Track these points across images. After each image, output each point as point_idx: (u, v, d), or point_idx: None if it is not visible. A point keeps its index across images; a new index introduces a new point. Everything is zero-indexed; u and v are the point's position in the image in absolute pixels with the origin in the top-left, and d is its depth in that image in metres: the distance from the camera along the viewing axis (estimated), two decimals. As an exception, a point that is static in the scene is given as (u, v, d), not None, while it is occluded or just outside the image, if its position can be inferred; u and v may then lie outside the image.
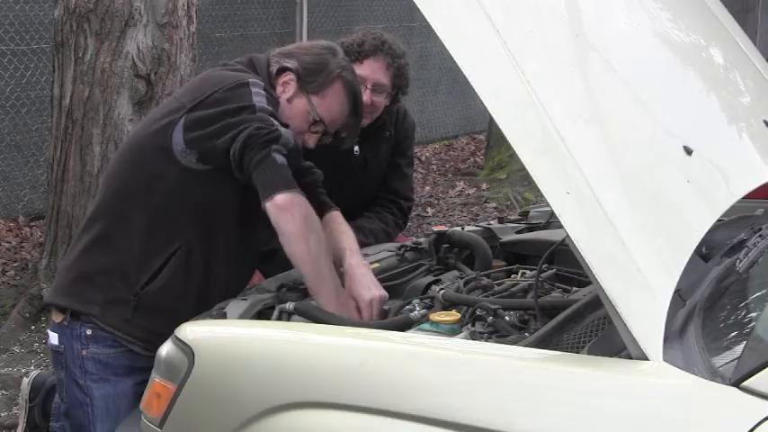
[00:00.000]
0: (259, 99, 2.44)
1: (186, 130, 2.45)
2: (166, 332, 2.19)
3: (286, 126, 2.53)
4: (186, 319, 2.28)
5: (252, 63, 2.63)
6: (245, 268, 2.66)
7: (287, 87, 2.59)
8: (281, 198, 2.32)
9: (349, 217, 3.20)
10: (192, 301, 2.48)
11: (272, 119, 2.42)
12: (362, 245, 2.86)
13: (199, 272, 2.51)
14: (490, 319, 2.10)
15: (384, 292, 2.43)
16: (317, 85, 2.59)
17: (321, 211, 2.71)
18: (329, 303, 2.35)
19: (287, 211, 2.33)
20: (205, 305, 2.43)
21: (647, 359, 1.57)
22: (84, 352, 2.52)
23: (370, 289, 2.41)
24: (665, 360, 1.57)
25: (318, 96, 2.59)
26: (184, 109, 2.48)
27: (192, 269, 2.50)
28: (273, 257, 2.68)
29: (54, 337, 2.58)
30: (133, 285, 2.48)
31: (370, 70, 3.11)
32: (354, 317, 2.38)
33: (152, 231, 2.49)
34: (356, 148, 3.24)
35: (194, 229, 2.50)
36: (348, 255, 2.53)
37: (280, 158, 2.36)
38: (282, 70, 2.60)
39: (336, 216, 2.72)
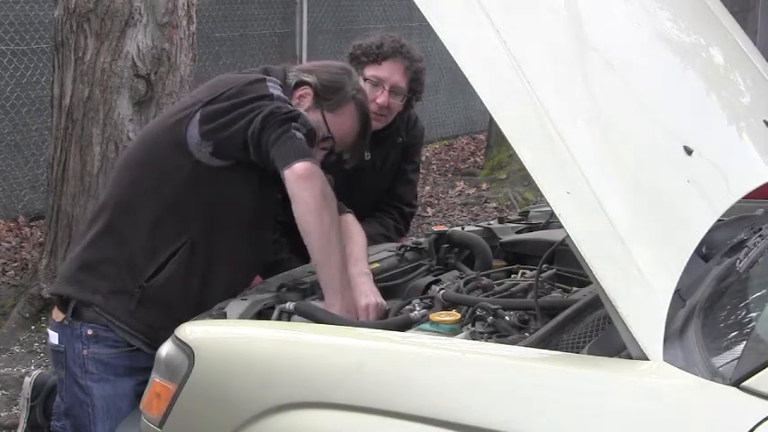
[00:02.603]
0: (276, 92, 2.48)
1: (202, 123, 2.46)
2: (168, 329, 2.20)
3: None
4: (186, 318, 2.28)
5: (266, 71, 2.65)
6: (246, 273, 2.65)
7: (303, 100, 2.61)
8: (300, 166, 2.31)
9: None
10: (191, 298, 2.48)
11: (289, 105, 2.44)
12: None
13: (199, 270, 2.51)
14: (490, 319, 2.10)
15: (382, 300, 2.42)
16: (333, 103, 2.61)
17: None
18: (332, 281, 2.36)
19: (307, 180, 2.32)
20: (205, 305, 2.43)
21: (647, 359, 1.57)
22: (84, 352, 2.52)
23: (367, 296, 2.41)
24: (665, 360, 1.57)
25: (332, 114, 2.61)
26: (201, 103, 2.50)
27: (194, 266, 2.50)
28: (276, 269, 2.68)
29: (54, 337, 2.58)
30: (138, 277, 2.49)
31: (389, 72, 3.11)
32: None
33: (160, 224, 2.50)
34: (367, 152, 3.24)
35: (201, 226, 2.50)
36: (351, 263, 2.52)
37: (299, 134, 2.37)
38: (300, 84, 2.62)
39: (348, 220, 2.70)
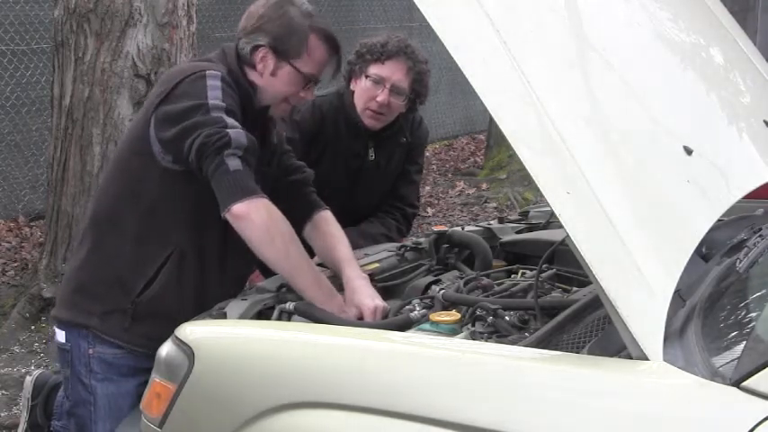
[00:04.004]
0: (214, 93, 2.40)
1: (156, 129, 2.44)
2: (168, 336, 2.19)
3: (264, 110, 2.53)
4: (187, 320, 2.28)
5: (223, 52, 2.59)
6: (239, 270, 2.64)
7: (266, 62, 2.52)
8: (236, 208, 2.31)
9: (355, 218, 3.21)
10: (189, 305, 2.47)
11: (224, 117, 2.37)
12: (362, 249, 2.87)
13: (193, 275, 2.50)
14: (490, 319, 2.10)
15: (385, 303, 2.43)
16: (295, 48, 2.51)
17: (309, 210, 2.70)
18: (313, 296, 2.37)
19: (245, 219, 2.32)
20: (205, 307, 2.42)
21: (647, 359, 1.57)
22: (90, 351, 2.52)
23: (373, 297, 2.42)
24: (665, 360, 1.57)
25: (300, 58, 2.52)
26: (153, 106, 2.47)
27: (187, 273, 2.49)
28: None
29: (61, 335, 2.59)
30: (130, 293, 2.48)
31: (391, 71, 3.11)
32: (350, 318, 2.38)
33: (143, 237, 2.49)
34: (371, 151, 3.25)
35: (184, 231, 2.49)
36: (346, 266, 2.53)
37: (233, 163, 2.33)
38: (255, 49, 2.53)
39: (326, 217, 2.70)
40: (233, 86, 2.47)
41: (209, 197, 2.40)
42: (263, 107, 2.58)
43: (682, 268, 1.74)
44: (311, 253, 2.59)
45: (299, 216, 2.68)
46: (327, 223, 2.69)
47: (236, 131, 2.36)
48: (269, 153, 2.65)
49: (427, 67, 3.19)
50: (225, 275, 2.57)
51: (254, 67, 2.53)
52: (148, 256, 2.48)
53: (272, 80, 2.54)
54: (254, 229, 2.34)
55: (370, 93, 3.12)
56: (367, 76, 3.12)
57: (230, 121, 2.38)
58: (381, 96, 3.10)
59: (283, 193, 2.70)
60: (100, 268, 2.53)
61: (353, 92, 3.19)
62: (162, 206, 2.48)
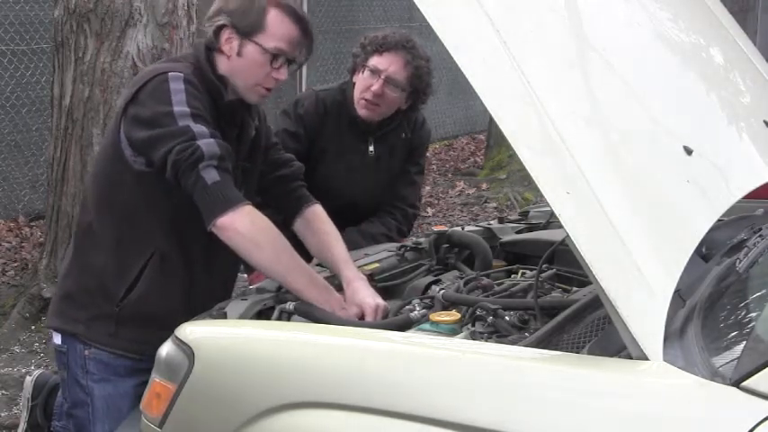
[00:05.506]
0: (178, 98, 2.37)
1: (126, 132, 2.42)
2: (157, 340, 2.19)
3: (238, 104, 2.48)
4: (176, 324, 2.27)
5: (195, 48, 2.57)
6: (227, 270, 2.64)
7: (231, 44, 2.48)
8: (220, 221, 2.32)
9: (356, 216, 3.22)
10: (177, 306, 2.46)
11: (192, 126, 2.33)
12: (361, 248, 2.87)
13: (177, 277, 2.50)
14: (490, 319, 2.10)
15: (385, 303, 2.43)
16: (254, 24, 2.45)
17: (299, 205, 2.69)
18: (311, 296, 2.36)
19: (229, 230, 2.33)
20: (192, 309, 2.41)
21: (647, 359, 1.57)
22: (86, 352, 2.52)
23: (374, 296, 2.42)
24: (665, 360, 1.57)
25: (262, 33, 2.46)
26: (121, 110, 2.46)
27: (171, 274, 2.48)
28: None
29: (58, 337, 2.59)
30: (113, 299, 2.48)
31: (388, 62, 3.13)
32: (350, 316, 2.38)
33: (121, 242, 2.48)
34: (371, 147, 3.26)
35: (164, 232, 2.47)
36: (344, 267, 2.53)
37: (210, 176, 2.32)
38: (218, 31, 2.49)
39: (317, 212, 2.70)
40: (197, 85, 2.42)
41: (186, 201, 2.38)
42: (237, 100, 2.53)
43: (682, 268, 1.74)
44: (302, 253, 2.57)
45: (288, 211, 2.68)
46: (319, 219, 2.68)
47: (207, 141, 2.34)
48: (247, 148, 2.61)
49: (428, 64, 3.20)
50: (212, 276, 2.56)
51: (221, 51, 2.49)
52: (128, 261, 2.48)
53: (240, 61, 2.47)
54: (241, 239, 2.34)
55: (366, 82, 3.15)
56: (366, 67, 3.14)
57: (198, 129, 2.34)
58: (376, 86, 3.11)
59: (271, 188, 2.70)
60: (82, 276, 2.54)
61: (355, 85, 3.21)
62: (139, 210, 2.47)
